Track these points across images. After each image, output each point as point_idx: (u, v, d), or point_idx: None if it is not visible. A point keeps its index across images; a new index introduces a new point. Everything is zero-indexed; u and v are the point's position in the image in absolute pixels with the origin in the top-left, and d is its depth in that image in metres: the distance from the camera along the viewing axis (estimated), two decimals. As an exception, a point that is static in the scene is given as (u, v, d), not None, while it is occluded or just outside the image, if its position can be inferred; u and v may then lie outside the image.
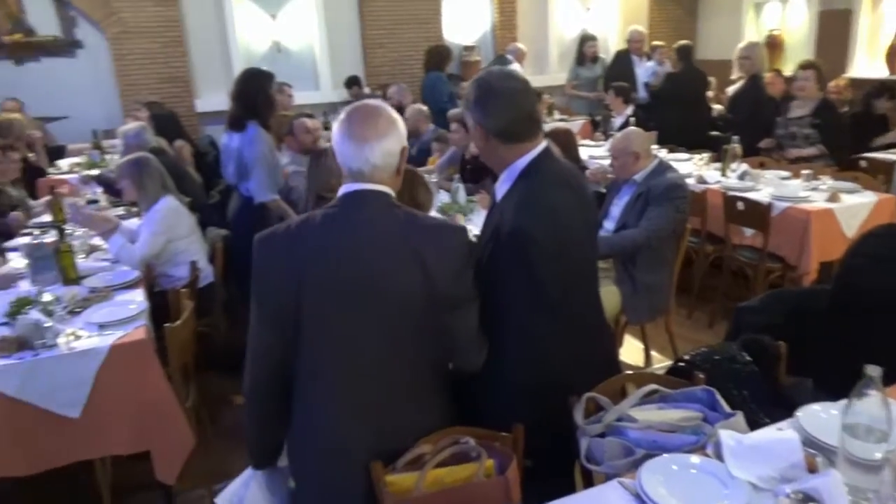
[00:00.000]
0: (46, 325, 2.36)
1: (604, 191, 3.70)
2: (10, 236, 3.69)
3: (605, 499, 1.37)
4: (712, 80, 6.54)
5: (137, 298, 2.76)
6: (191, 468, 2.57)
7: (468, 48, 8.35)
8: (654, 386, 1.70)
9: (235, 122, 3.75)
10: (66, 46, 6.87)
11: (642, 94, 6.71)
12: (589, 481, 1.70)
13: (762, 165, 4.62)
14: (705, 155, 4.80)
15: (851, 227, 3.67)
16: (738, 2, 8.70)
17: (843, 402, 1.28)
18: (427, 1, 7.97)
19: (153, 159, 3.45)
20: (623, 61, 7.07)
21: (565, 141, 3.76)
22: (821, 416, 1.51)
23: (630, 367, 3.59)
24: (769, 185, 4.04)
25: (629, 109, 5.84)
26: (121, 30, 6.85)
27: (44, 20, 6.75)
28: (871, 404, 1.23)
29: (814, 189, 3.91)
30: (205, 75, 7.31)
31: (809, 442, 1.44)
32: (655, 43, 7.17)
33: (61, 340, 2.37)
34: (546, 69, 8.67)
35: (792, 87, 4.84)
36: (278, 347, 1.57)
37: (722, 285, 4.13)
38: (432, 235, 1.56)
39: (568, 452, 1.68)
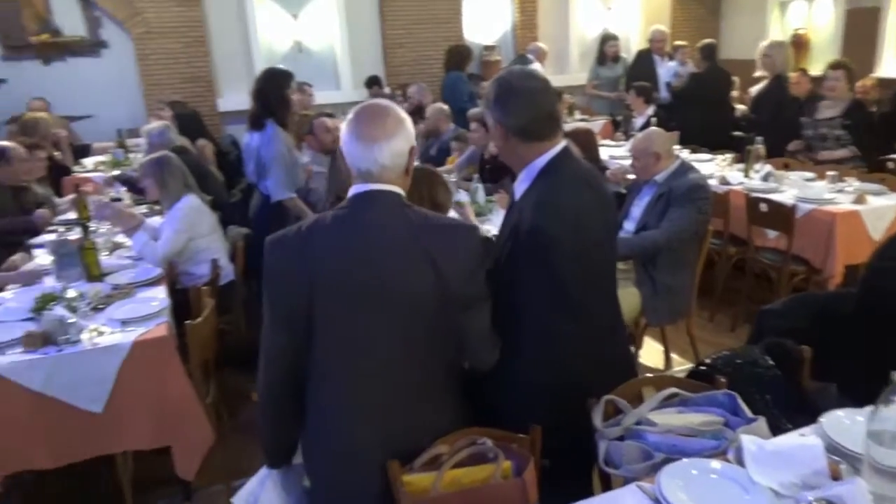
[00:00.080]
0: (70, 321, 2.39)
1: (624, 191, 3.67)
2: (36, 233, 3.76)
3: (624, 503, 1.36)
4: (736, 79, 6.46)
5: (159, 295, 2.80)
6: (209, 464, 2.60)
7: (489, 48, 8.33)
8: (673, 389, 1.68)
9: (255, 120, 3.79)
10: (91, 46, 6.97)
11: (664, 94, 6.65)
12: (607, 484, 1.69)
13: (786, 167, 4.55)
14: (728, 156, 4.75)
15: (878, 230, 3.60)
16: (762, 0, 8.57)
17: (869, 408, 1.26)
18: (448, 0, 7.97)
19: (175, 158, 3.49)
20: (645, 61, 7.01)
21: (585, 141, 3.74)
22: (845, 423, 1.48)
23: (650, 369, 3.56)
24: (793, 187, 3.99)
25: (650, 109, 5.79)
26: (145, 30, 6.94)
27: (70, 21, 6.87)
28: (898, 411, 1.20)
29: (839, 191, 3.84)
30: (227, 75, 7.38)
31: (833, 448, 1.42)
32: (678, 43, 7.11)
33: (84, 336, 2.40)
34: (567, 69, 8.63)
35: (821, 88, 4.76)
36: (291, 349, 1.57)
37: (745, 288, 4.07)
38: (444, 235, 1.55)
39: (585, 454, 1.67)
